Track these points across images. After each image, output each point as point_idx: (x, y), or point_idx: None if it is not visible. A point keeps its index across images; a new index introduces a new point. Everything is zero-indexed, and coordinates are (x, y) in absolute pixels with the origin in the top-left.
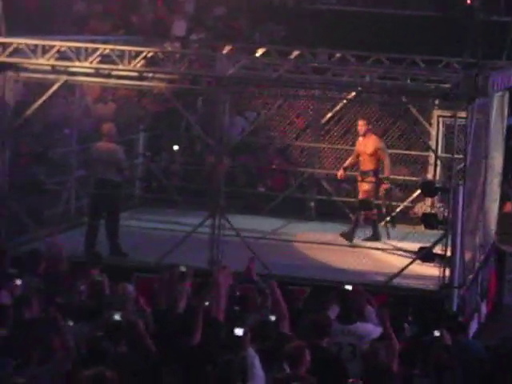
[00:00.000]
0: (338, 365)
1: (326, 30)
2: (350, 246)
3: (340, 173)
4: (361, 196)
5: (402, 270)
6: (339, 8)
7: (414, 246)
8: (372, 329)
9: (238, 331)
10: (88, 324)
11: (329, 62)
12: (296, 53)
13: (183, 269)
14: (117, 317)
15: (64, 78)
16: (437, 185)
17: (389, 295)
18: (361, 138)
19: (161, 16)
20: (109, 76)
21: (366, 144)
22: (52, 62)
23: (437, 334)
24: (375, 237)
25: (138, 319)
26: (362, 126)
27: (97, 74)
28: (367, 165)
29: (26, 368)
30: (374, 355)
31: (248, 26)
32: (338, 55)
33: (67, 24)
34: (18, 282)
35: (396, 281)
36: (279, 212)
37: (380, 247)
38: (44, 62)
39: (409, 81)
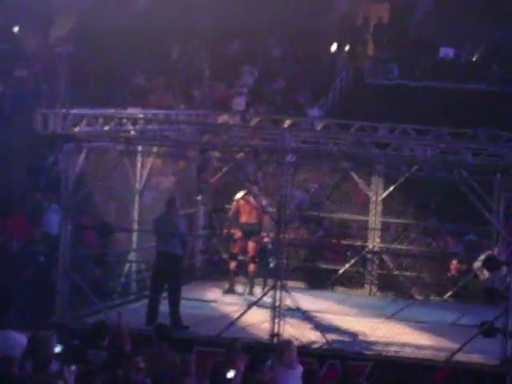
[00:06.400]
0: None
1: (387, 104)
2: (412, 321)
3: None
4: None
5: (464, 344)
6: (401, 82)
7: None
8: None
9: None
10: None
11: (390, 137)
12: (357, 126)
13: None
14: None
15: (125, 148)
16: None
17: (449, 370)
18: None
19: (221, 91)
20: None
21: None
22: (113, 133)
23: None
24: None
25: None
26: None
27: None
28: None
29: None
30: None
31: (307, 99)
32: (399, 129)
33: (127, 97)
34: (73, 367)
35: (456, 355)
36: (339, 286)
37: (439, 323)
38: (105, 133)
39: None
